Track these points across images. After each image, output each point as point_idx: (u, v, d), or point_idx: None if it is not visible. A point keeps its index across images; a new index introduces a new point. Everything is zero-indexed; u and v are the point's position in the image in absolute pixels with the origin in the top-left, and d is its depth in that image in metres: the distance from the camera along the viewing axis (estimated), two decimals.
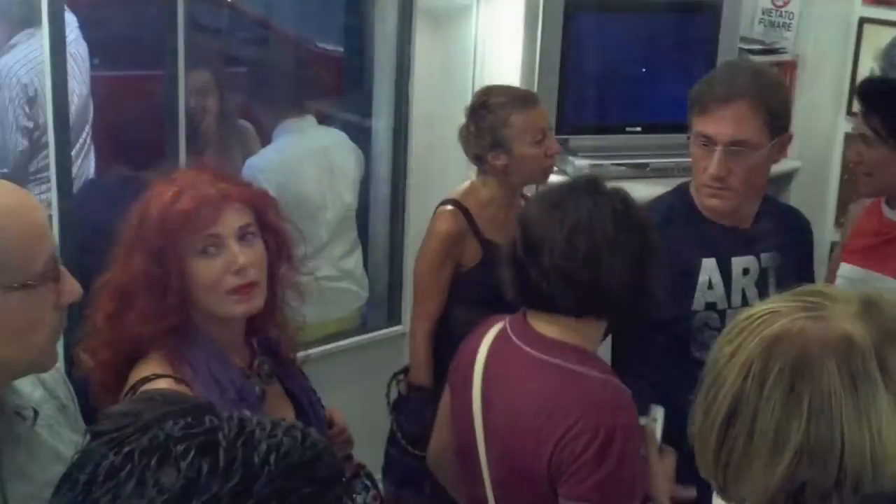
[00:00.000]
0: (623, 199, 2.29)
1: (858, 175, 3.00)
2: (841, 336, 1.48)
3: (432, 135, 4.02)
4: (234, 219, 2.15)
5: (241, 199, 2.18)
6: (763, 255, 2.78)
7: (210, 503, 0.98)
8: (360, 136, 4.24)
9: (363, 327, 4.28)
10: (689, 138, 2.75)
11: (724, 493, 1.57)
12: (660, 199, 2.88)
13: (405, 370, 3.37)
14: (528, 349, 2.27)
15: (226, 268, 2.13)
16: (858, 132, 2.94)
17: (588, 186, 2.31)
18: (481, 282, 3.03)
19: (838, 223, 4.38)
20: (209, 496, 0.98)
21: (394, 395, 3.35)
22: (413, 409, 3.24)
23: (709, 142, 2.64)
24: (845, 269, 3.07)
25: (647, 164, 4.14)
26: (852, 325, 1.49)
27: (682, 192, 2.82)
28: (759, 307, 1.56)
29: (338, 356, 3.97)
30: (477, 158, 3.26)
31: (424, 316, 3.29)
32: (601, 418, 2.15)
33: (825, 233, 4.24)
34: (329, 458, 1.05)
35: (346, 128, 4.28)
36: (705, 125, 2.64)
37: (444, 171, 3.82)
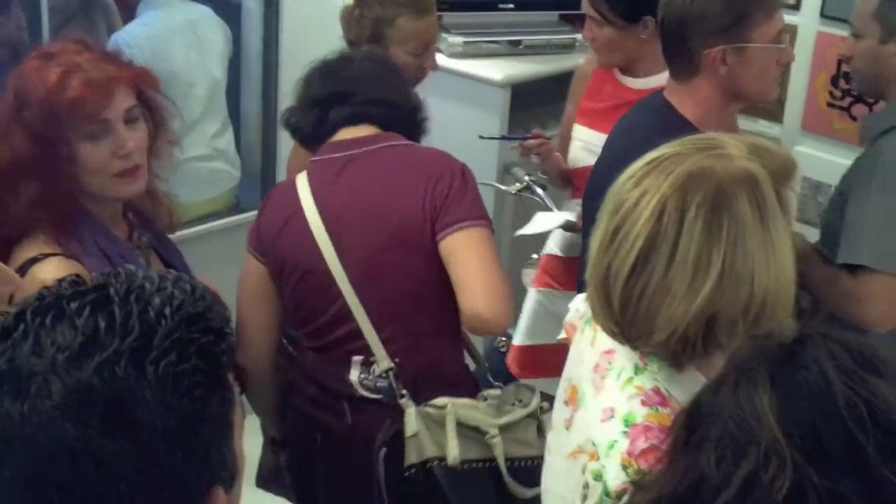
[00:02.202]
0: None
1: (592, 49, 3.22)
2: (745, 171, 1.59)
3: (304, 9, 3.95)
4: (121, 102, 2.14)
5: (126, 82, 2.16)
6: None
7: (112, 359, 0.99)
8: (228, 11, 4.14)
9: (237, 208, 4.24)
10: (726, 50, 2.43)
11: (626, 336, 1.65)
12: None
13: None
14: (350, 152, 2.52)
15: (113, 152, 2.13)
16: (590, 15, 3.11)
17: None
18: None
19: None
20: (110, 352, 0.99)
21: None
22: None
23: (781, 34, 2.48)
24: (581, 131, 3.24)
25: (519, 41, 4.16)
26: (750, 163, 1.60)
27: (672, 112, 2.51)
28: (657, 152, 1.64)
29: (211, 236, 3.93)
30: (350, 45, 3.11)
31: None
32: (447, 162, 2.54)
33: None
34: (218, 307, 1.07)
35: (213, 2, 4.16)
36: (778, 21, 2.48)
37: (317, 49, 3.76)
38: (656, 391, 1.65)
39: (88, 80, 2.09)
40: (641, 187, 1.61)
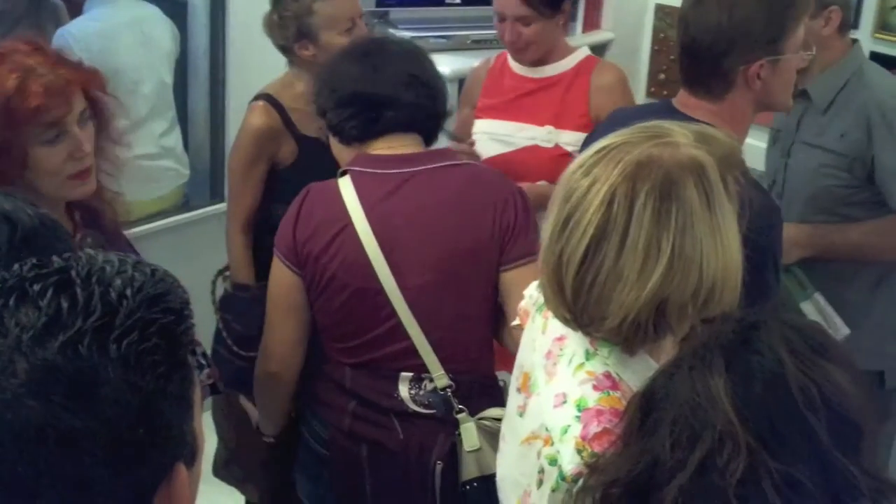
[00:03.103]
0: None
1: (514, 50, 3.24)
2: (692, 159, 1.62)
3: (252, 7, 3.92)
4: (76, 105, 2.14)
5: (79, 84, 2.15)
6: None
7: (75, 338, 1.01)
8: (176, 11, 4.13)
9: (186, 206, 4.23)
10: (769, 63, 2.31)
11: (578, 322, 1.67)
12: None
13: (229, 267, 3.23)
14: (407, 170, 2.44)
15: (70, 154, 2.13)
16: (515, 17, 3.14)
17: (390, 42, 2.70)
18: (299, 179, 2.75)
19: (649, 92, 4.54)
20: (73, 332, 1.01)
21: (220, 292, 3.22)
22: (238, 308, 3.11)
23: (807, 40, 2.42)
24: (485, 124, 3.30)
25: (467, 37, 4.17)
26: (697, 150, 1.63)
27: (672, 109, 2.40)
28: (606, 141, 1.67)
29: (161, 235, 3.91)
30: (283, 49, 3.10)
31: (238, 214, 3.13)
32: (508, 186, 2.50)
33: (638, 102, 4.37)
34: (178, 290, 1.10)
35: (160, 2, 4.14)
36: (803, 28, 2.36)
37: (265, 46, 3.75)
38: (607, 375, 1.67)
39: (47, 86, 2.09)
40: (591, 176, 1.63)
